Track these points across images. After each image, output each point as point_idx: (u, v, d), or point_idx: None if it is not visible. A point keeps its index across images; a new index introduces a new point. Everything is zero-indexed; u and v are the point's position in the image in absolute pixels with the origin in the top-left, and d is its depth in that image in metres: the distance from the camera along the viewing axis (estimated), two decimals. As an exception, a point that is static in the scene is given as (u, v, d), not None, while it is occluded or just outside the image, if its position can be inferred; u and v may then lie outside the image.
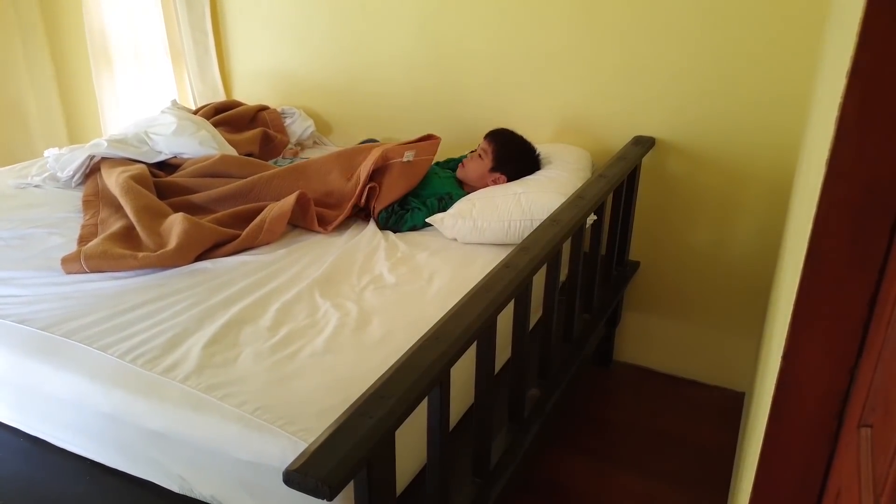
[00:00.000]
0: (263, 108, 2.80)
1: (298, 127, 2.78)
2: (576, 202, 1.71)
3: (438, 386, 1.06)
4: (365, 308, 1.59)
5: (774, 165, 2.12)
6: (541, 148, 2.24)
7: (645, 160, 2.26)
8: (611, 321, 2.45)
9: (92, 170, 2.36)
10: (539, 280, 1.58)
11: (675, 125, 2.22)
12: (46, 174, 2.39)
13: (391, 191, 2.09)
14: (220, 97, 3.00)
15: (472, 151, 2.25)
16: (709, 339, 2.43)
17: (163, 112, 2.59)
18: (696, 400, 2.41)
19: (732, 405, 2.35)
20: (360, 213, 2.14)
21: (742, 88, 2.09)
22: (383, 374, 1.00)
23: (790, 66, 2.01)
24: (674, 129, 2.23)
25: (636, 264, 2.42)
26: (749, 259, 2.27)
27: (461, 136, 2.57)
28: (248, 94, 3.01)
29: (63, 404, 1.40)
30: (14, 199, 2.20)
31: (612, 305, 2.21)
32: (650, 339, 2.53)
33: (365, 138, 2.70)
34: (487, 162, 2.15)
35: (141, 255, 1.77)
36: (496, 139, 2.18)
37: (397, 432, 0.96)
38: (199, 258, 1.83)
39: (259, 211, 2.02)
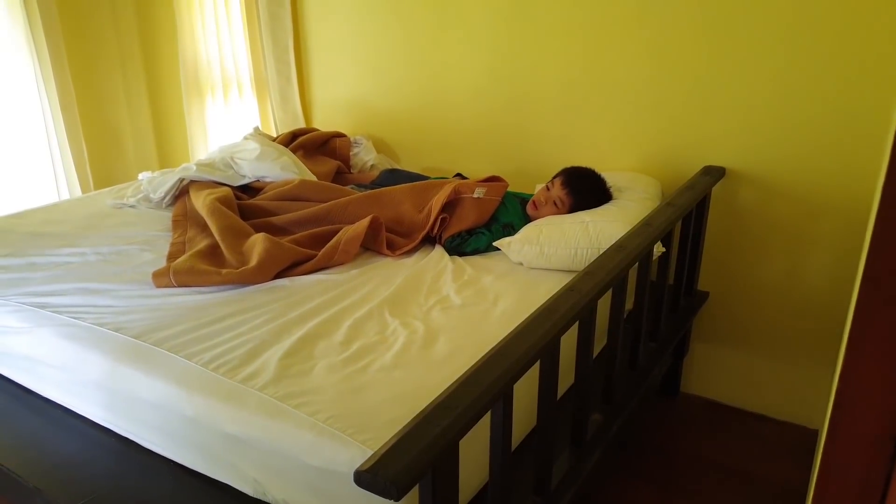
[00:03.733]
0: (338, 136, 2.93)
1: (364, 156, 2.89)
2: (643, 229, 1.73)
3: (501, 400, 1.10)
4: (432, 327, 1.64)
5: (850, 196, 2.08)
6: (610, 176, 2.25)
7: (715, 189, 2.25)
8: (678, 351, 2.43)
9: (181, 192, 2.53)
10: (604, 307, 1.60)
11: (747, 155, 2.20)
12: (140, 195, 2.57)
13: (460, 222, 2.17)
14: (301, 125, 3.15)
15: (546, 188, 2.22)
16: (781, 374, 2.37)
17: (245, 138, 2.75)
18: (767, 435, 2.34)
19: (805, 443, 2.28)
20: (428, 239, 2.22)
21: (816, 118, 2.06)
22: (449, 387, 1.04)
23: (868, 97, 1.98)
24: (745, 159, 2.21)
25: (705, 294, 2.39)
26: (824, 292, 2.21)
27: (530, 167, 2.62)
28: (326, 122, 3.15)
29: (150, 407, 1.50)
30: (112, 218, 2.38)
31: (680, 335, 2.19)
32: (719, 371, 2.49)
33: (438, 175, 2.79)
34: (563, 212, 2.15)
35: (224, 271, 1.89)
36: (574, 191, 2.15)
37: (462, 444, 1.00)
38: (278, 276, 1.93)
39: (335, 233, 2.12)
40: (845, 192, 2.09)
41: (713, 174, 2.18)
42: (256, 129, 2.92)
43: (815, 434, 2.32)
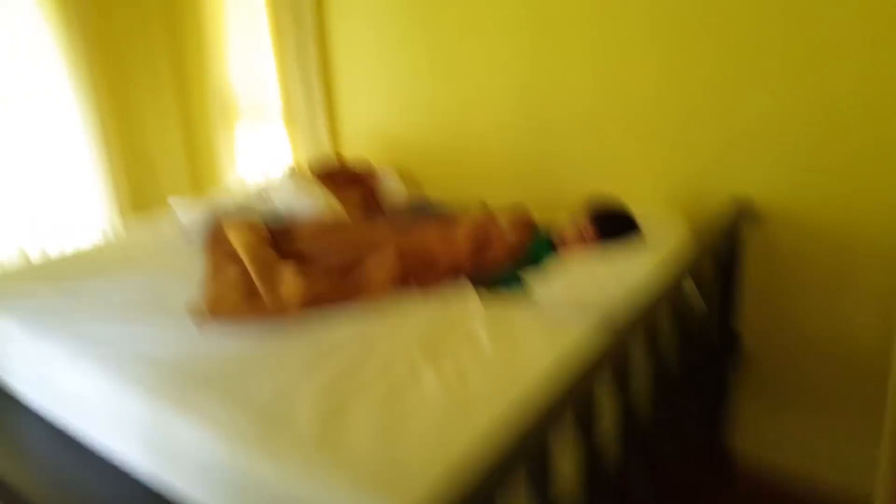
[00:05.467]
0: (367, 169, 2.98)
1: (392, 190, 2.92)
2: (671, 271, 1.72)
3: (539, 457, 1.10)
4: (463, 369, 1.64)
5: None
6: (637, 212, 2.24)
7: (745, 230, 2.18)
8: (716, 403, 2.35)
9: (215, 226, 2.57)
10: (638, 351, 1.58)
11: (779, 188, 2.12)
12: (176, 227, 2.62)
13: (490, 260, 2.20)
14: (328, 154, 3.21)
15: (573, 223, 2.21)
16: (825, 433, 2.24)
17: (280, 176, 2.82)
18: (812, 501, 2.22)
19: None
20: (457, 277, 2.22)
21: (856, 147, 1.95)
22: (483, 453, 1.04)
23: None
24: (777, 192, 2.12)
25: (741, 340, 2.30)
26: (869, 344, 2.08)
27: (554, 195, 2.61)
28: (353, 151, 3.20)
29: (186, 446, 1.53)
30: (146, 249, 2.44)
31: (718, 384, 2.12)
32: (763, 429, 2.36)
33: (462, 203, 2.81)
34: (590, 248, 2.13)
35: (258, 308, 1.92)
36: (601, 228, 2.14)
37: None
38: (310, 313, 1.95)
39: (366, 271, 2.14)
40: (891, 232, 1.98)
41: (743, 209, 2.13)
42: (290, 167, 2.99)
43: (863, 499, 2.17)
